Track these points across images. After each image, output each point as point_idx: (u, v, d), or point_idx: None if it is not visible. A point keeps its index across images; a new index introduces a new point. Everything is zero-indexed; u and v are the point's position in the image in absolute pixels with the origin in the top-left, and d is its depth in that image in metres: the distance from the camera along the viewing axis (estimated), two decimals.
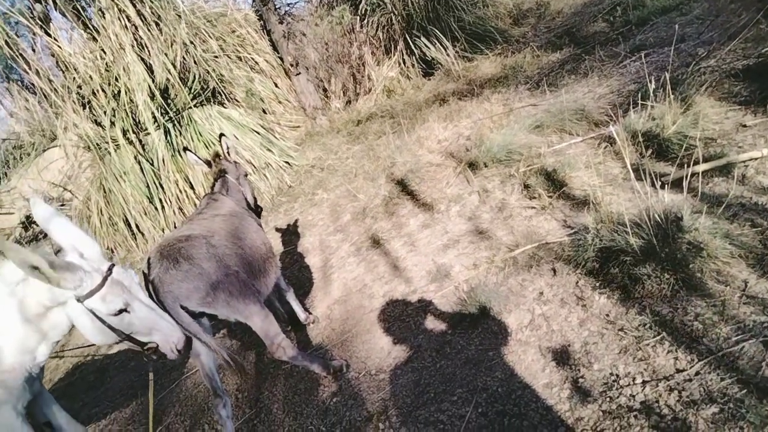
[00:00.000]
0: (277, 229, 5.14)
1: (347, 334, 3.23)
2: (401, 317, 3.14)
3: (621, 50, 5.09)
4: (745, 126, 3.18)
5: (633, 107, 3.74)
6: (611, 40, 5.55)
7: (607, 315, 2.39)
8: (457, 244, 3.55)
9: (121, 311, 2.00)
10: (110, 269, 2.00)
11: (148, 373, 2.35)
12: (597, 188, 3.22)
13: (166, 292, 2.33)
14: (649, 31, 5.27)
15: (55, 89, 5.85)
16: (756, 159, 2.84)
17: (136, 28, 5.74)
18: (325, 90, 7.80)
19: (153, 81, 5.75)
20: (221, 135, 3.52)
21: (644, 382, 2.00)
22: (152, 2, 5.89)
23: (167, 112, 5.86)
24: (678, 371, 1.98)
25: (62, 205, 6.53)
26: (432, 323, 2.96)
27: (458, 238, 3.61)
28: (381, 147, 5.83)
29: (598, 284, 2.59)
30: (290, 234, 4.96)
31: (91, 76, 5.69)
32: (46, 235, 2.12)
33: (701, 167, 2.89)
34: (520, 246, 3.17)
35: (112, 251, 5.95)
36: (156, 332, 2.11)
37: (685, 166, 2.91)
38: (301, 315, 3.52)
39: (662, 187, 2.83)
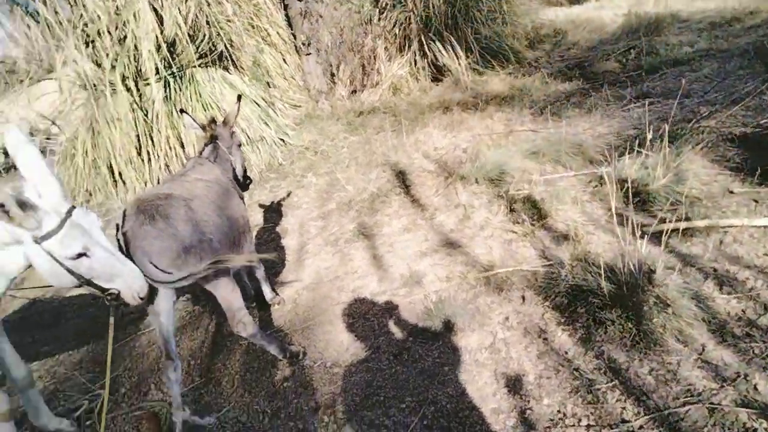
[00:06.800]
0: (261, 205, 5.11)
1: (310, 322, 3.24)
2: (366, 315, 3.16)
3: (627, 93, 5.16)
4: (731, 192, 3.25)
5: (629, 152, 3.79)
6: (620, 82, 5.62)
7: (566, 353, 2.44)
8: (434, 254, 3.58)
9: (80, 255, 1.94)
10: (69, 211, 1.92)
11: (109, 318, 2.22)
12: (579, 226, 3.27)
13: (136, 247, 2.29)
14: (658, 80, 5.35)
15: (59, 22, 5.71)
16: (736, 227, 2.91)
17: None
18: (332, 75, 7.74)
19: (161, 33, 5.64)
20: (239, 96, 3.45)
21: (588, 426, 2.05)
22: None
23: (170, 67, 5.76)
24: (623, 421, 2.03)
25: (48, 138, 6.39)
26: (395, 327, 2.98)
27: (437, 248, 3.63)
28: (378, 142, 5.82)
29: (563, 320, 2.64)
30: (272, 212, 4.94)
31: (99, 16, 5.55)
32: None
33: (682, 225, 2.94)
34: (495, 267, 3.20)
35: (90, 194, 5.85)
36: (118, 278, 2.06)
37: (667, 220, 2.96)
38: (268, 294, 3.51)
39: (642, 237, 2.87)
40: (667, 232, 2.73)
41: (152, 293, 2.18)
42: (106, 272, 2.03)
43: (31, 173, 1.90)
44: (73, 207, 1.95)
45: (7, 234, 1.86)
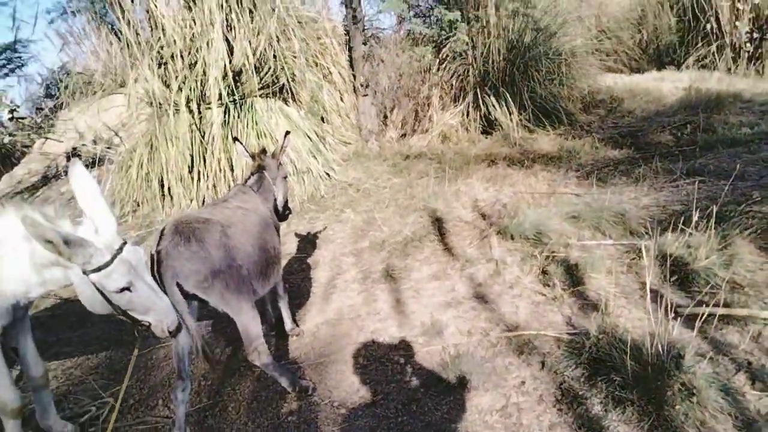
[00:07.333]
0: (297, 234, 5.21)
1: (325, 358, 3.23)
2: (381, 359, 3.13)
3: (678, 168, 5.04)
4: None
5: (672, 228, 3.68)
6: (672, 155, 5.52)
7: (580, 428, 2.33)
8: (458, 306, 3.53)
9: (123, 289, 2.01)
10: (121, 248, 2.00)
11: (135, 348, 2.35)
12: (611, 297, 3.17)
13: (167, 266, 2.39)
14: (712, 158, 5.22)
15: (138, 42, 6.14)
16: None
17: (231, 9, 6.00)
18: (385, 117, 7.93)
19: (230, 62, 5.97)
20: (287, 132, 3.59)
21: None
22: None
23: (233, 94, 6.06)
24: None
25: (109, 148, 6.78)
26: (408, 376, 2.93)
27: (462, 300, 3.59)
28: (419, 187, 5.88)
29: (581, 393, 2.53)
30: (307, 242, 5.01)
31: (175, 40, 5.93)
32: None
33: (720, 310, 2.80)
34: (519, 328, 3.13)
35: (139, 205, 6.12)
36: (152, 312, 2.12)
37: (704, 305, 2.84)
38: (288, 324, 3.53)
39: (675, 318, 2.76)
40: (702, 316, 2.61)
41: (180, 328, 2.24)
42: (144, 306, 2.10)
43: (89, 207, 2.01)
44: (125, 242, 2.04)
45: (56, 257, 1.92)
